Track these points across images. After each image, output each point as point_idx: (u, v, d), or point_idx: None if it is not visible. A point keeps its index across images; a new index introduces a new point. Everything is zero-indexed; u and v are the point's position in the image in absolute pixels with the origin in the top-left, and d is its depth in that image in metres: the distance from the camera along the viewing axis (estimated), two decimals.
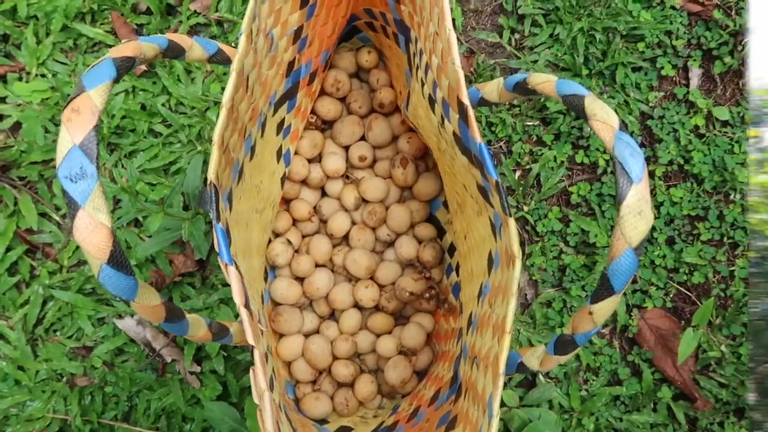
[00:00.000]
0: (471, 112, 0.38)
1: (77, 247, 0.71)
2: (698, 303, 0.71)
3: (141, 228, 0.71)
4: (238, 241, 0.44)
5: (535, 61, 0.76)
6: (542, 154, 0.74)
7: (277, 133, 0.56)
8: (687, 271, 0.71)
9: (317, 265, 0.62)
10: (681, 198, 0.72)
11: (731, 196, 0.71)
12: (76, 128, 0.27)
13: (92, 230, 0.27)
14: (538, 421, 0.65)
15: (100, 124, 0.73)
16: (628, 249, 0.29)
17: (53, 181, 0.73)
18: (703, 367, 0.70)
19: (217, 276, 0.70)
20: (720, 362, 0.68)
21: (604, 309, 0.32)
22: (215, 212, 0.36)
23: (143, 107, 0.75)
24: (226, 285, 0.70)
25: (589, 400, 0.69)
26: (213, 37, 0.77)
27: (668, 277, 0.71)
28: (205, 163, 0.70)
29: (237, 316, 0.68)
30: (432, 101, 0.47)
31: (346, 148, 0.65)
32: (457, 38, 0.77)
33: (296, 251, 0.62)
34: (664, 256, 0.71)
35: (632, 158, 0.29)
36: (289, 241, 0.61)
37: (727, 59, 0.73)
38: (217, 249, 0.36)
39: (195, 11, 0.77)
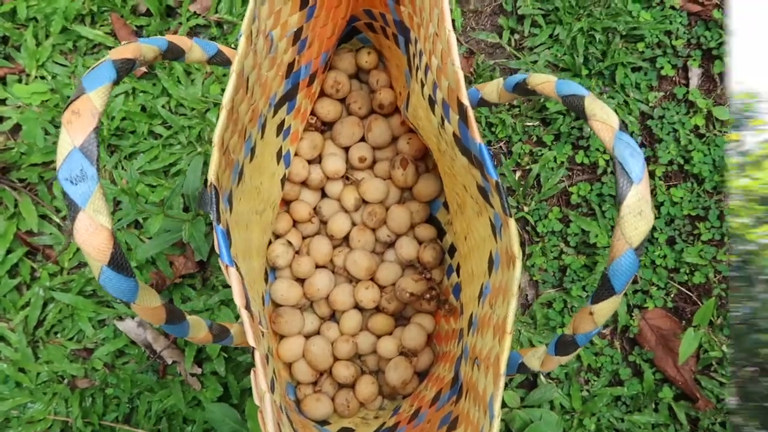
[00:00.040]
0: (471, 113, 0.38)
1: (78, 249, 0.71)
2: (699, 303, 0.71)
3: (141, 230, 0.71)
4: (239, 243, 0.44)
5: (535, 62, 0.76)
6: (542, 154, 0.74)
7: (277, 135, 0.56)
8: (688, 271, 0.71)
9: (317, 267, 0.62)
10: (681, 198, 0.72)
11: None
12: (76, 130, 0.27)
13: (93, 232, 0.27)
14: (539, 422, 0.65)
15: (101, 126, 0.73)
16: (629, 249, 0.29)
17: (53, 183, 0.73)
18: (705, 367, 0.70)
19: (217, 277, 0.70)
20: (721, 362, 0.68)
21: (604, 309, 0.32)
22: (215, 214, 0.36)
23: (143, 109, 0.75)
24: (227, 286, 0.70)
25: (590, 401, 0.68)
26: (213, 39, 0.77)
27: (669, 277, 0.71)
28: (206, 164, 0.70)
29: (238, 317, 0.68)
30: (432, 102, 0.47)
31: (346, 149, 0.65)
32: (457, 39, 0.78)
33: (297, 252, 0.62)
34: (665, 256, 0.71)
35: (632, 158, 0.29)
36: (289, 243, 0.61)
37: (727, 59, 0.73)
38: (217, 250, 0.36)
39: (195, 13, 0.77)
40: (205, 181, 0.68)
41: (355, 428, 0.57)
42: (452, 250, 0.61)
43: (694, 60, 0.76)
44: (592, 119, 0.32)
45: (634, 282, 0.72)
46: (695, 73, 0.76)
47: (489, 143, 0.75)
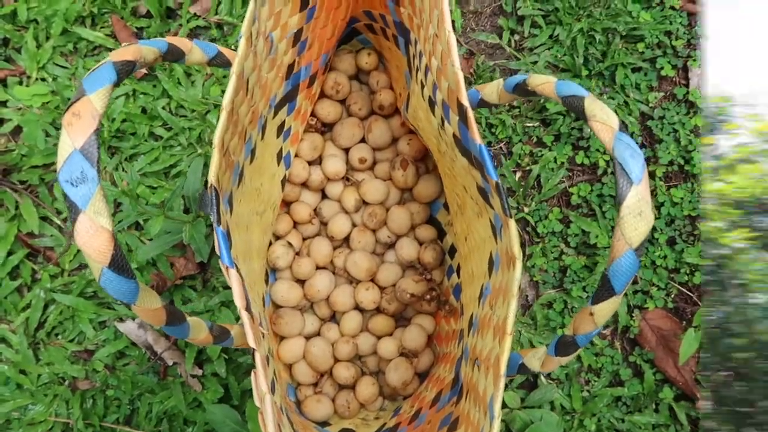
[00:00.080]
0: (471, 114, 0.39)
1: (78, 251, 0.71)
2: (699, 303, 0.71)
3: (142, 231, 0.71)
4: (239, 244, 0.44)
5: (535, 63, 0.76)
6: (542, 155, 0.74)
7: (278, 136, 0.56)
8: (688, 272, 0.71)
9: (318, 268, 0.62)
10: (682, 198, 0.72)
11: None
12: (76, 132, 0.27)
13: (93, 234, 0.27)
14: (539, 423, 0.65)
15: (101, 128, 0.73)
16: (629, 250, 0.29)
17: (54, 184, 0.73)
18: (705, 367, 0.69)
19: (218, 279, 0.71)
20: None
21: (604, 310, 0.32)
22: (216, 215, 0.36)
23: (144, 111, 0.75)
24: (227, 288, 0.70)
25: (590, 401, 0.68)
26: (213, 40, 0.77)
27: (669, 277, 0.71)
28: (206, 166, 0.70)
29: (238, 318, 0.68)
30: (432, 103, 0.47)
31: (346, 151, 0.65)
32: (457, 40, 0.78)
33: (297, 254, 0.63)
34: (665, 257, 0.71)
35: (632, 159, 0.29)
36: (289, 244, 0.61)
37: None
38: (217, 252, 0.36)
39: (195, 14, 0.77)
40: (206, 182, 0.68)
41: (355, 429, 0.57)
42: (452, 250, 0.61)
43: (694, 60, 0.76)
44: (591, 120, 0.32)
45: (635, 282, 0.72)
46: (695, 74, 0.76)
47: (489, 144, 0.75)
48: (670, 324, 0.70)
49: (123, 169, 0.73)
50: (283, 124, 0.57)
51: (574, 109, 0.34)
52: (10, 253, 0.71)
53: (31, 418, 0.67)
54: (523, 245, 0.73)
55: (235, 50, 0.40)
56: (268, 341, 0.48)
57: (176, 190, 0.69)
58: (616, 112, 0.74)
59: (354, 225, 0.64)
